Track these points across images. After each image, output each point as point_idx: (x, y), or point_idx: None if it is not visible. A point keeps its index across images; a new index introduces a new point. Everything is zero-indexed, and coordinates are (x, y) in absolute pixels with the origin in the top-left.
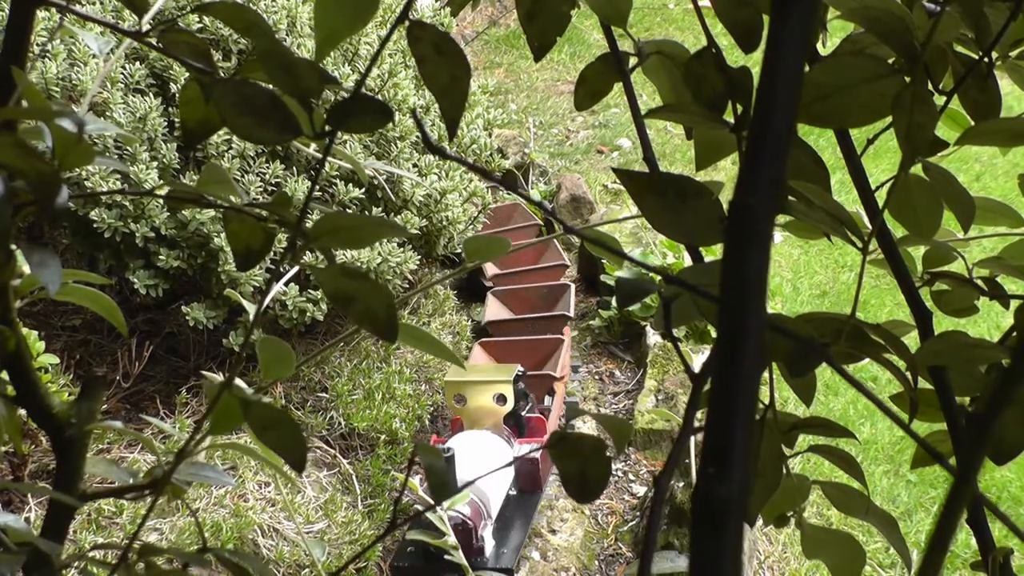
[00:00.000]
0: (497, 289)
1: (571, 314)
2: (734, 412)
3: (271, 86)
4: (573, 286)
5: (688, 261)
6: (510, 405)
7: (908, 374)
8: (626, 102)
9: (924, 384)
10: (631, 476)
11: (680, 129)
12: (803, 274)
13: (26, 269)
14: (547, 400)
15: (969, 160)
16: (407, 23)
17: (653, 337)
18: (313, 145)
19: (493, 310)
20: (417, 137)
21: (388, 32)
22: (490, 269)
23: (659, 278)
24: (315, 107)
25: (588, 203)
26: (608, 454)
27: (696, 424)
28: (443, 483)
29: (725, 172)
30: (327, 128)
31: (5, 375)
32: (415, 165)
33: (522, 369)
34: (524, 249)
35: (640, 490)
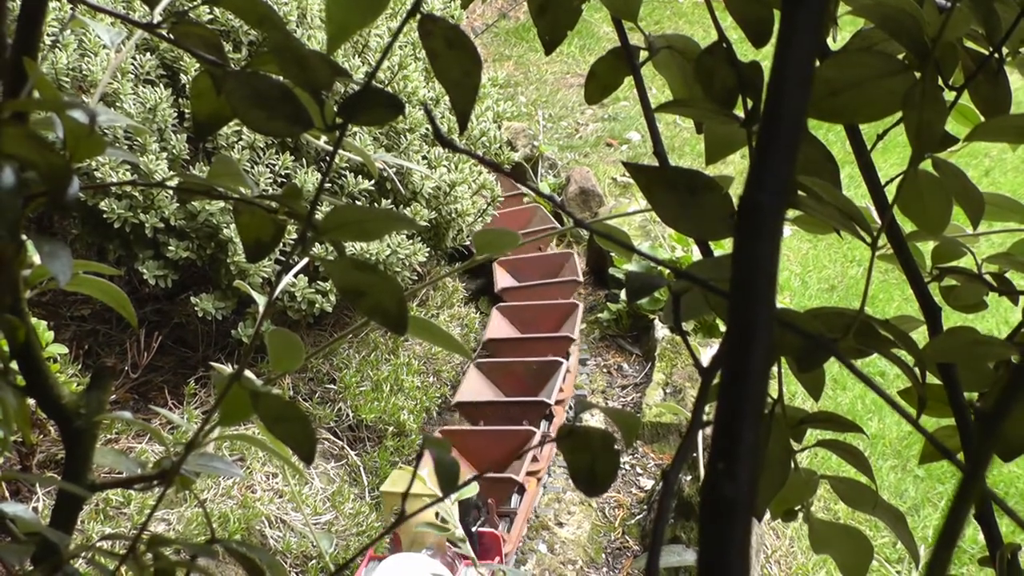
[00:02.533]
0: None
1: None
2: (743, 408)
3: (282, 79)
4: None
5: (697, 255)
6: (453, 528)
7: (917, 370)
8: (636, 95)
9: (933, 379)
10: (639, 469)
11: (690, 123)
12: (812, 268)
13: (36, 259)
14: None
15: (979, 155)
16: (419, 17)
17: (661, 330)
18: (323, 137)
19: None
20: (427, 129)
21: (399, 26)
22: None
23: (668, 272)
24: (326, 100)
25: (597, 196)
26: (617, 448)
27: (705, 418)
28: (452, 476)
29: (735, 166)
30: (338, 121)
31: (15, 365)
32: (424, 157)
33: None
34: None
35: (647, 483)
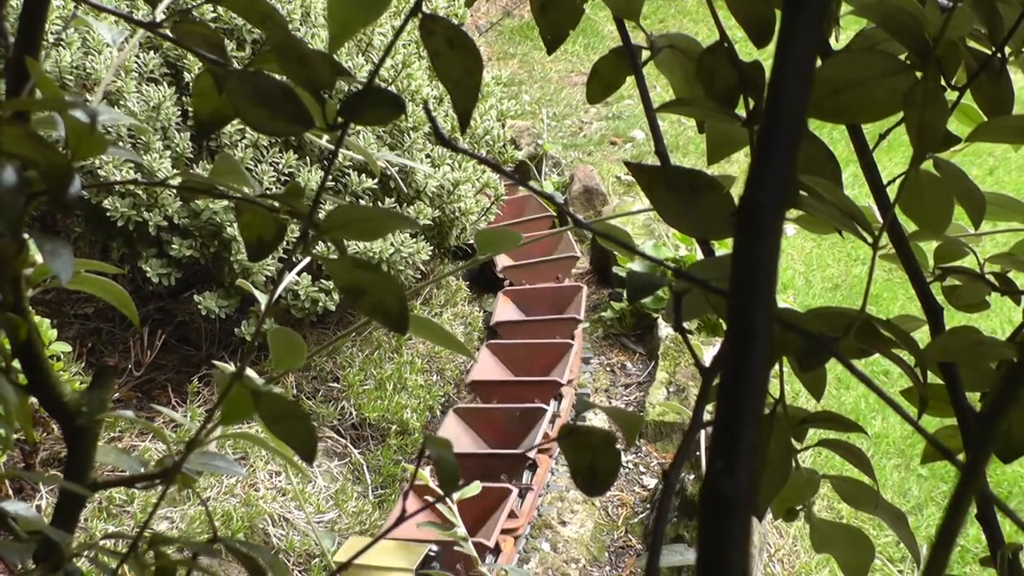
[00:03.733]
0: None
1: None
2: (742, 406)
3: (284, 78)
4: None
5: (701, 254)
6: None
7: (918, 370)
8: (640, 94)
9: (935, 379)
10: (642, 468)
11: (693, 122)
12: (815, 267)
13: (39, 258)
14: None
15: (983, 154)
16: (420, 16)
17: (665, 329)
18: (326, 136)
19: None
20: (430, 127)
21: (401, 24)
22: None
23: (671, 272)
24: (328, 99)
25: (601, 194)
26: (618, 447)
27: (706, 418)
28: (452, 476)
29: (738, 165)
30: (339, 120)
31: (17, 363)
32: (428, 155)
33: (435, 549)
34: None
35: (651, 482)
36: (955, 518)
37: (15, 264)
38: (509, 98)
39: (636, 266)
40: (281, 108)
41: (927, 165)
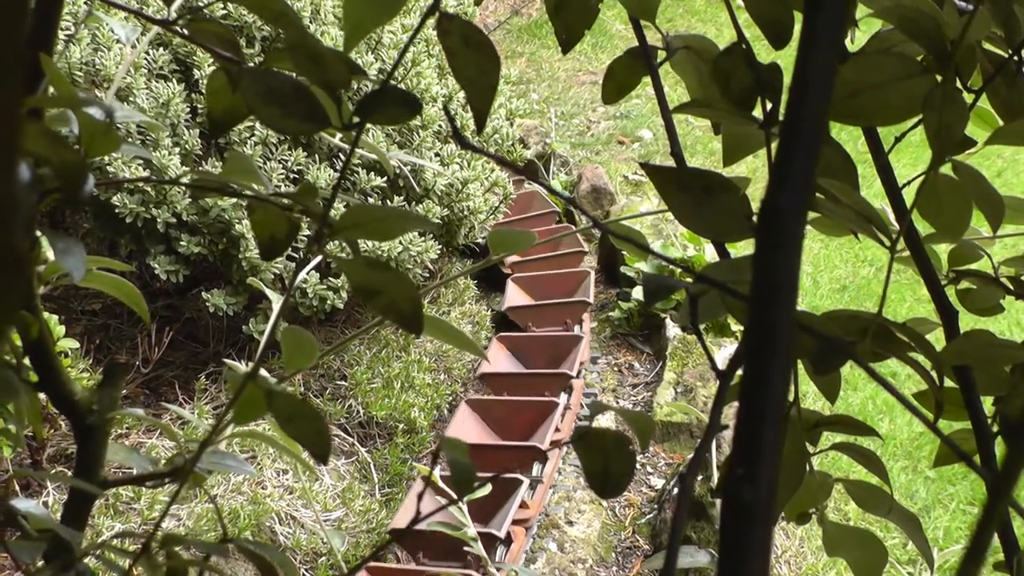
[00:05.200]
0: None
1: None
2: (763, 414)
3: (297, 76)
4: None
5: (709, 253)
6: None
7: (934, 373)
8: (648, 94)
9: (948, 383)
10: (649, 469)
11: (702, 122)
12: (823, 268)
13: (50, 255)
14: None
15: (991, 156)
16: (436, 15)
17: (673, 329)
18: (338, 135)
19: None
20: (440, 126)
21: (418, 24)
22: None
23: (680, 272)
24: (342, 98)
25: (609, 194)
26: (631, 449)
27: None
28: (467, 477)
29: (747, 166)
30: (355, 120)
31: (27, 360)
32: (437, 154)
33: None
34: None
35: (658, 483)
36: (986, 529)
37: (28, 262)
38: (518, 97)
39: (645, 267)
40: (294, 106)
41: (944, 168)
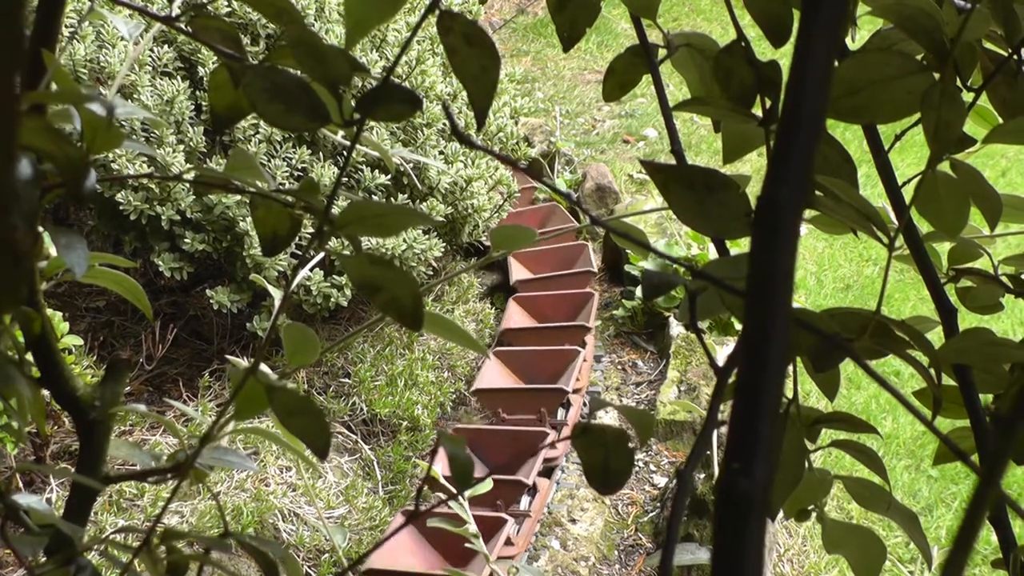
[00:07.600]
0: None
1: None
2: (759, 408)
3: (300, 73)
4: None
5: (713, 252)
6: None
7: (932, 371)
8: (653, 92)
9: (948, 380)
10: (652, 467)
11: (706, 120)
12: (827, 267)
13: (53, 251)
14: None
15: (995, 156)
16: (437, 13)
17: (676, 328)
18: (341, 132)
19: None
20: (444, 124)
21: (418, 21)
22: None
23: (683, 269)
24: (344, 94)
25: (613, 193)
26: (631, 446)
27: (720, 417)
28: (467, 472)
29: (751, 164)
30: (356, 116)
31: (30, 357)
32: (441, 152)
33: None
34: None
35: (661, 481)
36: (973, 521)
37: (31, 258)
38: (522, 95)
39: (649, 264)
40: (297, 103)
41: (943, 166)
